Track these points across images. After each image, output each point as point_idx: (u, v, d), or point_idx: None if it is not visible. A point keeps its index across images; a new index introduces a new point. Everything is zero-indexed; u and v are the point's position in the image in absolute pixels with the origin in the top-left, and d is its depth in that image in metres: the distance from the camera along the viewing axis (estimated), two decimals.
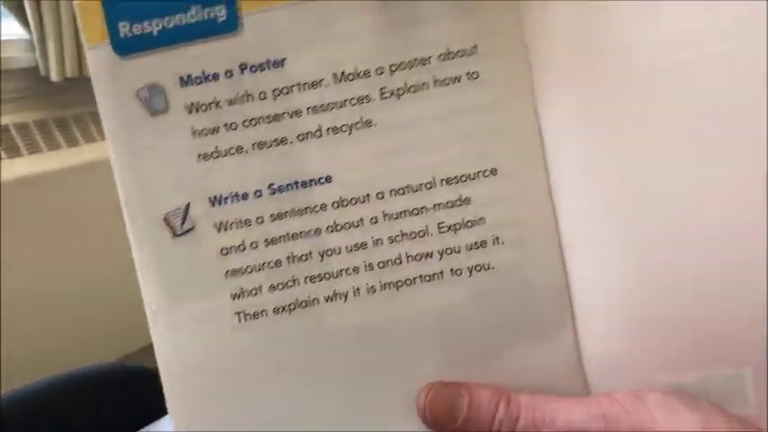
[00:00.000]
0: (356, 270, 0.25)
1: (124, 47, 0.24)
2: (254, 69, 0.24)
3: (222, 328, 0.25)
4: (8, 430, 0.38)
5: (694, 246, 0.24)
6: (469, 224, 0.25)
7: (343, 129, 0.25)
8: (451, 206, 0.25)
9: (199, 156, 0.25)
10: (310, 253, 0.25)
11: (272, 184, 0.25)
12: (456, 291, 0.25)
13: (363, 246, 0.25)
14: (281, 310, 0.25)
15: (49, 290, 1.05)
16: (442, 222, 0.25)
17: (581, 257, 0.25)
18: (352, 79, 0.24)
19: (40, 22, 1.12)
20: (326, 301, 0.25)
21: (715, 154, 0.23)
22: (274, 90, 0.24)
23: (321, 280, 0.25)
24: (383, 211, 0.25)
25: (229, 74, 0.24)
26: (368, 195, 0.25)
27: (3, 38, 1.15)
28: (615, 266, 0.24)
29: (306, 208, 0.25)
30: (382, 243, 0.25)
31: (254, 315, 0.25)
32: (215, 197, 0.25)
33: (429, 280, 0.25)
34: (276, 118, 0.24)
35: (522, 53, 0.24)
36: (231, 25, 0.24)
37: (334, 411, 0.26)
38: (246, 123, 0.24)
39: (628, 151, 0.24)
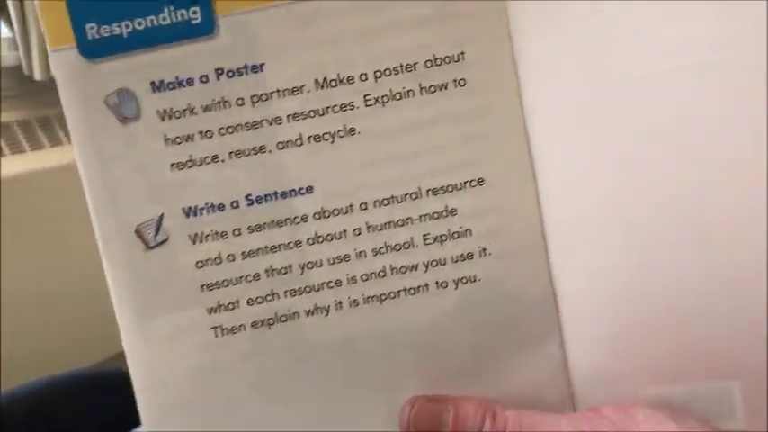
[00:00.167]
0: (338, 283, 0.24)
1: (92, 50, 0.23)
2: (230, 75, 0.23)
3: (198, 343, 0.24)
4: (7, 428, 0.37)
5: (682, 259, 0.23)
6: (456, 236, 0.24)
7: (326, 137, 0.24)
8: (437, 217, 0.24)
9: (172, 165, 0.23)
10: (290, 266, 0.24)
11: (249, 195, 0.24)
12: (442, 303, 0.24)
13: (346, 258, 0.24)
14: (259, 324, 0.24)
15: (31, 290, 1.03)
16: (428, 234, 0.24)
17: (568, 270, 0.24)
18: (335, 85, 0.23)
19: (24, 20, 1.08)
20: (307, 315, 0.24)
21: (705, 165, 0.23)
22: (252, 96, 0.23)
23: (302, 293, 0.24)
24: (367, 223, 0.24)
25: (205, 79, 0.23)
26: (351, 206, 0.24)
27: None
28: (602, 279, 0.24)
29: (286, 219, 0.24)
30: (366, 255, 0.24)
31: (231, 330, 0.24)
32: (190, 208, 0.24)
33: (414, 293, 0.24)
34: (254, 125, 0.23)
35: (509, 61, 0.24)
36: (206, 28, 0.23)
37: (314, 427, 0.25)
38: (223, 131, 0.23)
39: (616, 162, 0.23)
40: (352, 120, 0.23)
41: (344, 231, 0.24)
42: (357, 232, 0.24)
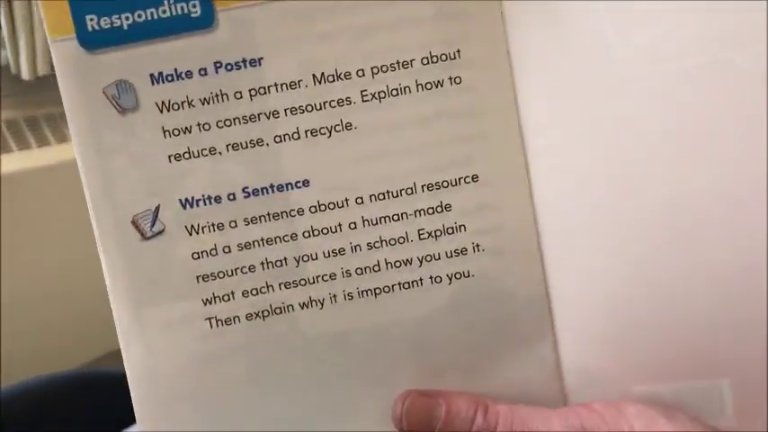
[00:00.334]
0: (333, 276, 0.24)
1: (92, 41, 0.23)
2: (229, 68, 0.23)
3: (193, 333, 0.24)
4: (7, 426, 0.37)
5: (674, 257, 0.23)
6: (450, 231, 0.24)
7: (323, 131, 0.24)
8: (432, 213, 0.24)
9: (170, 156, 0.24)
10: (286, 258, 0.24)
11: (246, 188, 0.24)
12: (435, 298, 0.25)
13: (341, 251, 0.24)
14: (254, 316, 0.24)
15: (30, 288, 1.03)
16: (423, 229, 0.24)
17: (561, 266, 0.25)
18: (332, 81, 0.23)
19: (11, 18, 1.08)
20: (302, 307, 0.25)
21: (697, 167, 0.23)
22: (250, 90, 0.23)
23: (296, 286, 0.24)
24: (362, 217, 0.24)
25: (203, 72, 0.23)
26: (346, 200, 0.24)
27: None
28: (594, 277, 0.24)
29: (282, 212, 0.24)
30: (360, 249, 0.24)
31: (225, 321, 0.24)
32: (186, 199, 0.24)
33: (408, 287, 0.25)
34: (252, 119, 0.24)
35: (504, 59, 0.24)
36: (206, 21, 0.23)
37: (308, 420, 0.25)
38: (221, 124, 0.24)
39: (609, 161, 0.24)
40: (348, 115, 0.24)
41: (340, 225, 0.24)
42: (352, 226, 0.24)
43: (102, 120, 0.23)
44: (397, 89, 0.24)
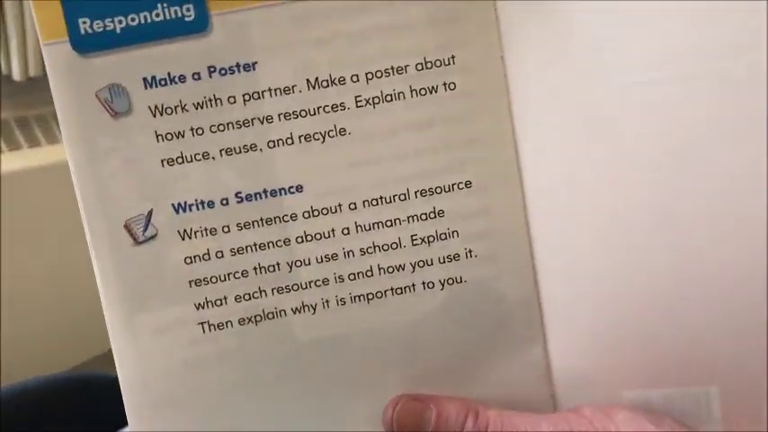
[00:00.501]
0: (326, 282, 0.24)
1: (84, 44, 0.23)
2: (223, 72, 0.23)
3: (185, 338, 0.24)
4: (5, 426, 0.37)
5: (665, 264, 0.24)
6: (443, 237, 0.24)
7: (316, 137, 0.24)
8: (425, 218, 0.24)
9: (163, 161, 0.24)
10: (278, 263, 0.24)
11: (239, 192, 0.24)
12: (428, 304, 0.25)
13: (334, 257, 0.24)
14: (246, 321, 0.24)
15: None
16: (415, 235, 0.24)
17: (552, 272, 0.25)
18: (327, 86, 0.23)
19: (2, 19, 1.07)
20: (294, 312, 0.25)
21: (686, 173, 0.23)
22: (244, 94, 0.23)
23: (289, 291, 0.24)
24: (355, 222, 0.24)
25: (197, 76, 0.23)
26: (340, 205, 0.24)
27: None
28: (586, 282, 0.24)
29: (275, 217, 0.24)
30: (353, 255, 0.24)
31: (218, 326, 0.24)
32: (179, 204, 0.24)
33: (401, 293, 0.25)
34: (246, 124, 0.23)
35: (499, 65, 0.24)
36: (199, 25, 0.23)
37: (300, 424, 0.25)
38: (214, 128, 0.23)
39: (601, 167, 0.24)
40: (342, 120, 0.24)
41: (333, 230, 0.24)
42: (345, 232, 0.24)
43: (95, 123, 0.23)
44: (391, 95, 0.24)
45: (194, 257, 0.24)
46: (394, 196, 0.24)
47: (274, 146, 0.24)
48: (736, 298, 0.23)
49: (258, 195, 0.24)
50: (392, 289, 0.25)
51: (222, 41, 0.23)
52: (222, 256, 0.24)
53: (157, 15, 0.23)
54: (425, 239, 0.24)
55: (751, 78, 0.22)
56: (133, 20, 0.23)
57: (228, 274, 0.24)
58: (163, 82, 0.23)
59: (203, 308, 0.24)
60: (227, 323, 0.24)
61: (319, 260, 0.24)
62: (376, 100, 0.24)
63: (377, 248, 0.24)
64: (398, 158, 0.24)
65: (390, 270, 0.24)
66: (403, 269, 0.25)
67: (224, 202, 0.24)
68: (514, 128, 0.24)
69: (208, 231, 0.24)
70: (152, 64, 0.23)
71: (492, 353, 0.25)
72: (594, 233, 0.24)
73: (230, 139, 0.24)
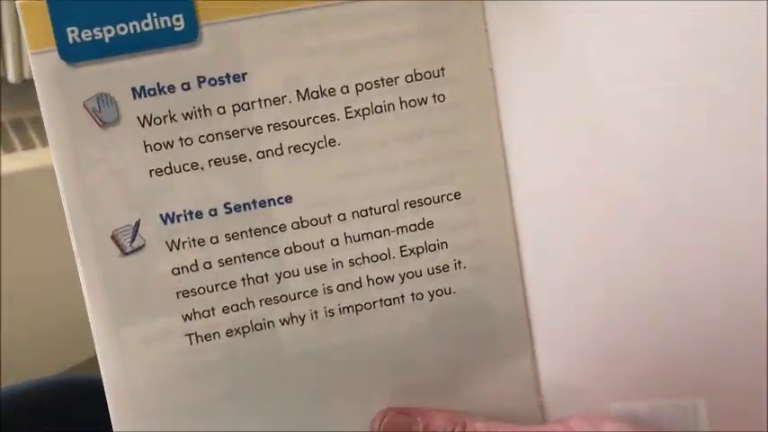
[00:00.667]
0: (314, 293, 0.24)
1: (72, 54, 0.22)
2: (212, 83, 0.23)
3: (172, 349, 0.24)
4: (5, 425, 0.37)
5: (654, 276, 0.24)
6: (432, 248, 0.24)
7: (306, 147, 0.24)
8: (414, 229, 0.24)
9: (151, 171, 0.23)
10: (267, 274, 0.24)
11: (228, 203, 0.24)
12: (417, 315, 0.25)
13: (323, 268, 0.24)
14: (234, 332, 0.24)
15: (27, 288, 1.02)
16: (405, 246, 0.24)
17: (541, 283, 0.25)
18: (317, 97, 0.23)
19: None
20: (282, 324, 0.24)
21: (675, 185, 0.23)
22: (234, 105, 0.23)
23: (277, 302, 0.24)
24: (344, 233, 0.24)
25: (186, 86, 0.23)
26: (329, 216, 0.24)
27: None
28: (574, 293, 0.24)
29: (264, 228, 0.24)
30: (342, 265, 0.24)
31: (205, 337, 0.24)
32: (167, 214, 0.24)
33: (390, 304, 0.25)
34: (235, 134, 0.23)
35: (488, 77, 0.24)
36: (189, 36, 0.23)
37: None
38: (203, 139, 0.23)
39: (592, 178, 0.24)
40: (332, 131, 0.24)
41: (322, 241, 0.24)
42: (335, 242, 0.24)
43: (83, 133, 0.23)
44: (381, 106, 0.24)
45: (182, 268, 0.24)
46: (383, 207, 0.24)
47: (264, 156, 0.24)
48: (723, 311, 0.23)
49: (247, 206, 0.24)
50: (381, 300, 0.25)
51: (212, 52, 0.23)
52: (210, 267, 0.24)
53: (147, 25, 0.23)
54: (414, 250, 0.24)
55: (739, 91, 0.22)
56: (122, 29, 0.22)
57: (216, 285, 0.24)
58: (152, 92, 0.23)
59: (191, 319, 0.24)
60: (214, 334, 0.24)
61: (308, 271, 0.24)
62: (366, 111, 0.24)
63: (366, 259, 0.24)
64: (388, 170, 0.24)
65: (379, 281, 0.24)
66: (392, 280, 0.25)
67: (212, 212, 0.24)
68: (503, 140, 0.24)
69: (196, 242, 0.24)
70: (141, 74, 0.23)
71: (480, 364, 0.25)
72: (583, 246, 0.24)
73: (219, 149, 0.23)
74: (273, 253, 0.24)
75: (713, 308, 0.23)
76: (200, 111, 0.23)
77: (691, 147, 0.23)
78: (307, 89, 0.23)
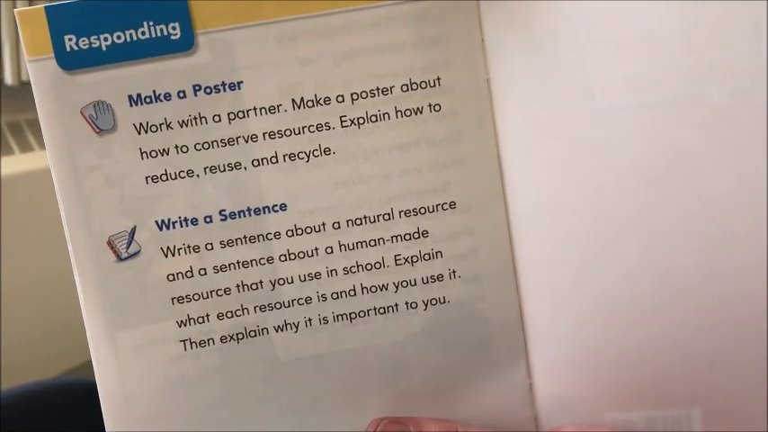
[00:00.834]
0: (309, 300, 0.24)
1: (70, 61, 0.23)
2: (208, 91, 0.23)
3: (167, 355, 0.24)
4: (5, 426, 0.37)
5: (648, 285, 0.24)
6: (426, 257, 0.24)
7: (301, 156, 0.24)
8: (409, 238, 0.24)
9: (147, 178, 0.24)
10: (261, 281, 0.24)
11: (223, 210, 0.24)
12: (411, 324, 0.25)
13: (317, 276, 0.24)
14: (228, 338, 0.24)
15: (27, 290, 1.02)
16: (399, 255, 0.24)
17: (536, 294, 0.25)
18: (312, 106, 0.24)
19: None
20: (276, 331, 0.24)
21: (669, 196, 0.23)
22: (229, 113, 0.23)
23: (272, 309, 0.24)
24: (339, 241, 0.24)
25: (182, 94, 0.23)
26: (323, 224, 0.24)
27: None
28: (569, 302, 0.24)
29: (258, 235, 0.24)
30: (337, 273, 0.24)
31: (200, 343, 0.24)
32: (163, 221, 0.24)
33: (384, 312, 0.25)
34: (230, 142, 0.24)
35: (484, 87, 0.24)
36: (185, 44, 0.23)
37: None
38: (199, 146, 0.23)
39: (587, 188, 0.24)
40: (327, 140, 0.24)
41: (316, 249, 0.24)
42: (329, 250, 0.24)
43: (79, 140, 0.23)
44: (376, 115, 0.24)
45: (177, 275, 0.24)
46: (378, 216, 0.24)
47: (259, 164, 0.24)
48: (718, 321, 0.23)
49: (242, 213, 0.24)
50: (375, 308, 0.25)
51: (208, 60, 0.23)
52: (205, 273, 0.24)
53: (143, 34, 0.23)
54: (409, 259, 0.24)
55: (734, 103, 0.22)
56: (119, 38, 0.23)
57: (211, 292, 0.24)
58: (148, 100, 0.23)
59: (185, 325, 0.24)
60: (209, 341, 0.24)
61: (302, 279, 0.24)
62: (361, 120, 0.24)
63: (360, 268, 0.24)
64: (383, 179, 0.24)
65: (373, 289, 0.24)
66: (386, 289, 0.25)
67: (208, 219, 0.24)
68: (499, 149, 0.24)
69: (191, 249, 0.24)
70: (137, 82, 0.23)
71: (475, 373, 0.25)
72: (578, 256, 0.24)
73: (215, 157, 0.24)
74: (268, 260, 0.24)
75: (708, 318, 0.23)
76: (195, 119, 0.23)
77: (687, 158, 0.23)
78: (302, 98, 0.23)
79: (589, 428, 0.24)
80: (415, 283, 0.25)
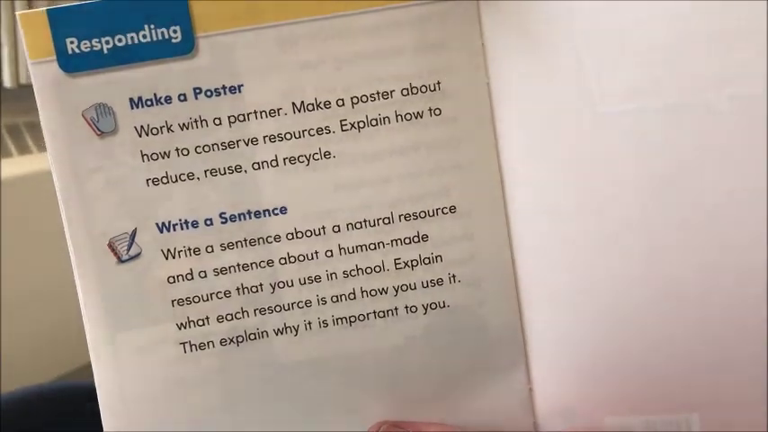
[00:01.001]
0: (308, 303, 0.24)
1: (71, 64, 0.23)
2: (209, 94, 0.23)
3: (166, 358, 0.24)
4: (5, 427, 0.37)
5: (648, 290, 0.24)
6: (426, 261, 0.24)
7: (301, 159, 0.24)
8: (409, 242, 0.24)
9: (148, 180, 0.24)
10: (261, 284, 0.24)
11: (223, 213, 0.24)
12: (410, 328, 0.25)
13: (317, 279, 0.24)
14: (228, 341, 0.24)
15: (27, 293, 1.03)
16: (399, 258, 0.24)
17: (535, 299, 0.25)
18: (312, 109, 0.24)
19: None
20: (276, 334, 0.25)
21: (669, 203, 0.23)
22: (230, 116, 0.23)
23: (271, 312, 0.24)
24: (339, 245, 0.24)
25: (183, 97, 0.23)
26: (323, 228, 0.24)
27: None
28: (569, 309, 0.24)
29: (258, 238, 0.24)
30: (336, 277, 0.24)
31: (199, 346, 0.24)
32: (163, 223, 0.24)
33: (383, 316, 0.25)
34: (231, 145, 0.24)
35: (484, 92, 0.24)
36: (186, 47, 0.23)
37: None
38: (199, 149, 0.24)
39: (587, 193, 0.24)
40: (327, 143, 0.24)
41: (316, 252, 0.24)
42: (329, 254, 0.24)
43: (81, 142, 0.23)
44: (376, 119, 0.24)
45: (177, 277, 0.24)
46: (378, 220, 0.24)
47: (259, 167, 0.24)
48: (718, 327, 0.23)
49: (242, 216, 0.24)
50: (375, 312, 0.25)
51: (208, 63, 0.23)
52: (205, 276, 0.24)
53: (144, 37, 0.23)
54: (409, 263, 0.24)
55: (734, 109, 0.22)
56: (120, 41, 0.23)
57: (211, 295, 0.24)
58: (149, 102, 0.23)
59: (185, 328, 0.24)
60: (208, 344, 0.24)
61: (302, 282, 0.24)
62: (361, 124, 0.24)
63: (360, 271, 0.24)
64: (383, 182, 0.24)
65: (373, 293, 0.24)
66: (386, 292, 0.25)
67: (208, 222, 0.24)
68: (499, 154, 0.24)
69: (191, 251, 0.24)
70: (138, 85, 0.23)
71: (474, 378, 0.25)
72: (578, 261, 0.24)
73: (215, 160, 0.24)
74: (268, 263, 0.24)
75: (708, 324, 0.23)
76: (196, 122, 0.23)
77: (687, 165, 0.23)
78: (302, 101, 0.23)
79: None
80: (415, 288, 0.25)
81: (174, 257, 0.24)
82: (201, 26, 0.23)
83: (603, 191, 0.23)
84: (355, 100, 0.24)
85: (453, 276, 0.25)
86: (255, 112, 0.23)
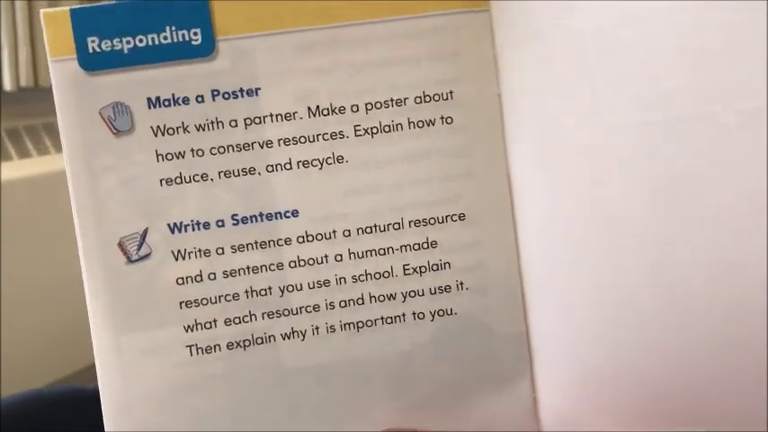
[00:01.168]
0: (316, 308, 0.24)
1: (91, 63, 0.23)
2: (226, 96, 0.24)
3: (172, 360, 0.24)
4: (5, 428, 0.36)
5: (656, 304, 0.24)
6: (435, 268, 0.25)
7: (314, 163, 0.24)
8: (418, 249, 0.25)
9: (162, 180, 0.24)
10: (270, 288, 0.24)
11: (235, 215, 0.24)
12: (417, 334, 0.25)
13: (326, 283, 0.24)
14: (235, 345, 0.24)
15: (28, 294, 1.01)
16: (408, 264, 0.25)
17: (542, 307, 0.25)
18: (327, 114, 0.24)
19: None
20: (284, 338, 0.24)
21: (677, 215, 0.23)
22: (246, 119, 0.24)
23: (279, 316, 0.24)
24: (348, 249, 0.24)
25: (200, 99, 0.24)
26: (334, 232, 0.24)
27: None
28: (575, 318, 0.25)
29: (269, 241, 0.24)
30: (345, 282, 0.24)
31: (206, 349, 0.24)
32: (175, 224, 0.24)
33: (391, 322, 0.25)
34: (246, 147, 0.24)
35: (495, 102, 0.25)
36: (205, 50, 0.23)
37: None
38: (214, 151, 0.24)
39: (595, 204, 0.24)
40: (341, 148, 0.24)
41: (326, 257, 0.24)
42: (338, 258, 0.24)
43: (96, 140, 0.23)
44: (389, 126, 0.24)
45: (186, 278, 0.24)
46: (388, 225, 0.24)
47: (273, 170, 0.24)
48: (725, 340, 0.23)
49: (254, 218, 0.24)
50: (382, 318, 0.25)
51: (227, 66, 0.24)
52: (215, 278, 0.24)
53: (165, 38, 0.23)
54: (417, 270, 0.25)
55: (742, 122, 0.22)
56: (141, 41, 0.23)
57: (220, 297, 0.24)
58: (166, 103, 0.23)
59: (192, 330, 0.24)
60: (215, 347, 0.24)
61: (311, 286, 0.24)
62: (374, 130, 0.24)
63: (369, 276, 0.24)
64: (394, 188, 0.24)
65: (381, 299, 0.25)
66: (394, 298, 0.25)
67: (220, 223, 0.24)
68: (508, 164, 0.25)
69: (202, 253, 0.24)
70: (156, 85, 0.23)
71: (479, 387, 0.25)
72: (585, 272, 0.24)
73: (230, 161, 0.24)
74: (278, 266, 0.24)
75: (715, 337, 0.23)
76: (212, 123, 0.24)
77: (694, 177, 0.23)
78: (317, 106, 0.24)
79: None
80: (423, 294, 0.25)
81: (183, 259, 0.24)
82: (222, 29, 0.23)
83: (611, 202, 0.24)
84: (369, 106, 0.24)
85: (461, 284, 0.25)
86: (271, 115, 0.24)
